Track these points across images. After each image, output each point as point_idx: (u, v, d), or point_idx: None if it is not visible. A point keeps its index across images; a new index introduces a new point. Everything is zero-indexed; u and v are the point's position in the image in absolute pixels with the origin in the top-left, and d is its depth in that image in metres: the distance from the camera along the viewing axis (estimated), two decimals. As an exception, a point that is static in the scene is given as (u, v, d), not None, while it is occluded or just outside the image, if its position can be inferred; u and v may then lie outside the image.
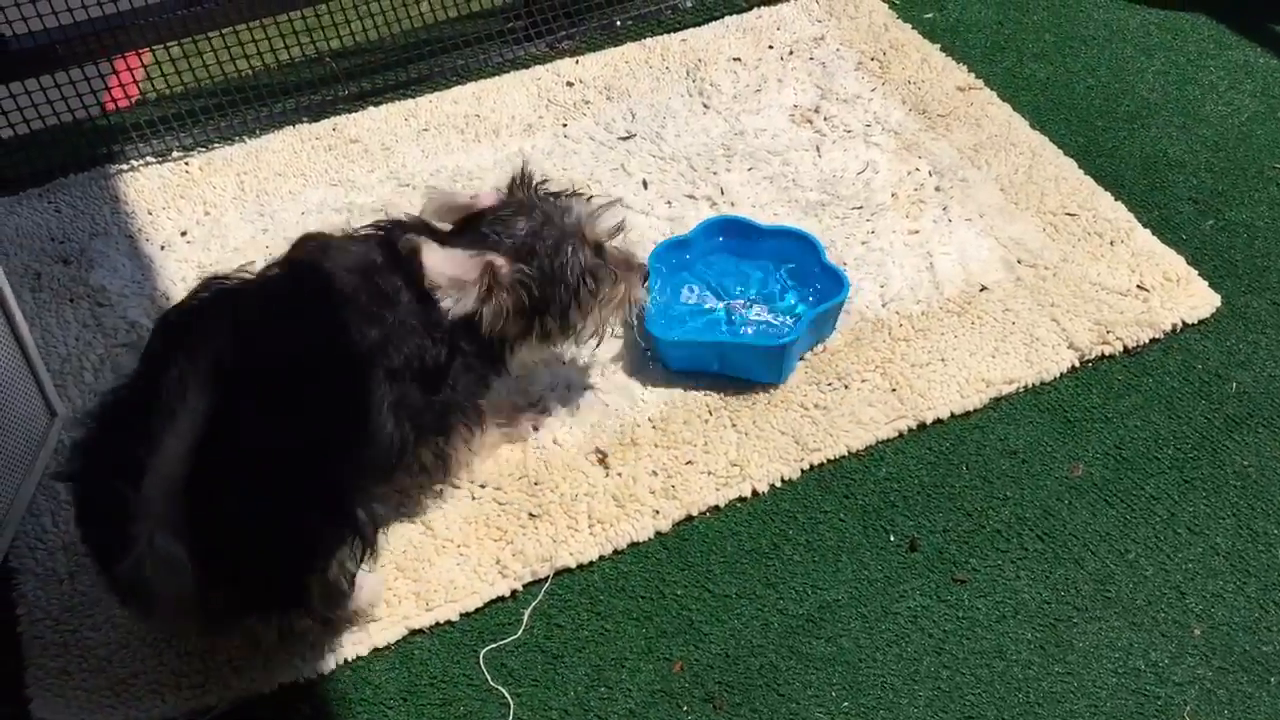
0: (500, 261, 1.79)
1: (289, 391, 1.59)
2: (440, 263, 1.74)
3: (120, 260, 2.43)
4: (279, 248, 2.43)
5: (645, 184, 2.59)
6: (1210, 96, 2.86)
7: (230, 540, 1.53)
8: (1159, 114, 2.81)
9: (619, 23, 3.09)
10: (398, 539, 1.95)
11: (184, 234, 2.48)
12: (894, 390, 2.17)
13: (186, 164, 2.65)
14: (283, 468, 1.56)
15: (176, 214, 2.53)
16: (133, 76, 2.87)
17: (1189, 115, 2.80)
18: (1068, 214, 2.51)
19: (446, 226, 1.89)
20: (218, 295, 1.69)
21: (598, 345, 2.06)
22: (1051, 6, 3.15)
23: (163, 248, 2.45)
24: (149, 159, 2.66)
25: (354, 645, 1.83)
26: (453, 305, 1.74)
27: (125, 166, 2.64)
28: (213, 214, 2.53)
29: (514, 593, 1.91)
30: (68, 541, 1.95)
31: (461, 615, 1.88)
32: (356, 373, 1.68)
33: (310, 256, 1.75)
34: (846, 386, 2.18)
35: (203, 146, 2.70)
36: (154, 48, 2.75)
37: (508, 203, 1.90)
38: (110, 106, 2.80)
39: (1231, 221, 2.53)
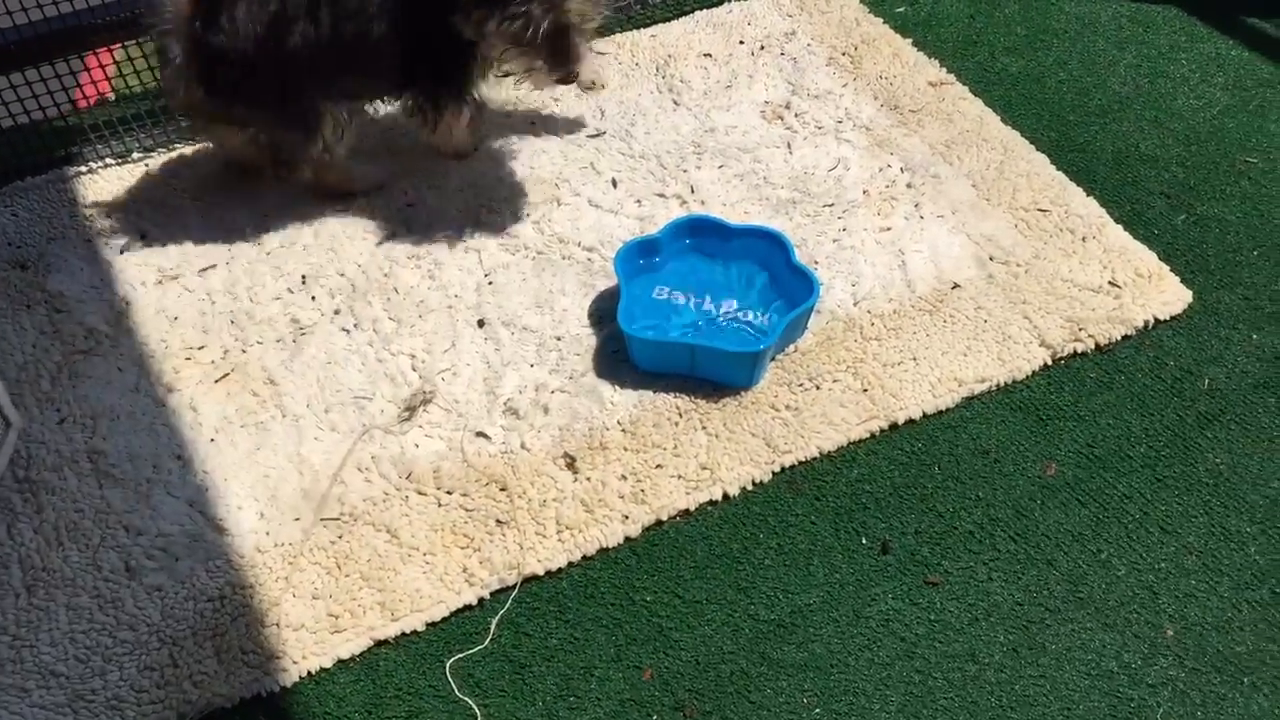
0: None
1: None
2: None
3: (78, 265, 2.38)
4: (241, 251, 2.41)
5: (614, 183, 2.56)
6: (1182, 90, 2.85)
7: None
8: (1131, 108, 2.79)
9: (588, 18, 3.04)
10: (362, 548, 1.92)
11: (143, 237, 2.43)
12: (865, 390, 2.15)
13: (147, 165, 2.60)
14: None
15: (136, 216, 2.48)
16: (91, 77, 2.81)
17: (1161, 109, 2.79)
18: (1039, 210, 2.49)
19: None
20: None
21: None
22: (1023, 0, 3.14)
23: (122, 251, 2.40)
24: (108, 161, 2.61)
25: (317, 657, 1.80)
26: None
27: (84, 169, 2.59)
28: (173, 216, 2.48)
29: (481, 601, 1.88)
30: (24, 555, 1.91)
31: (427, 625, 1.85)
32: None
33: None
34: (818, 387, 2.16)
35: (163, 147, 2.64)
36: (111, 48, 2.69)
37: None
38: (83, 104, 2.75)
39: (1203, 216, 2.52)
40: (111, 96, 2.80)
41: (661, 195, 2.53)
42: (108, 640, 1.81)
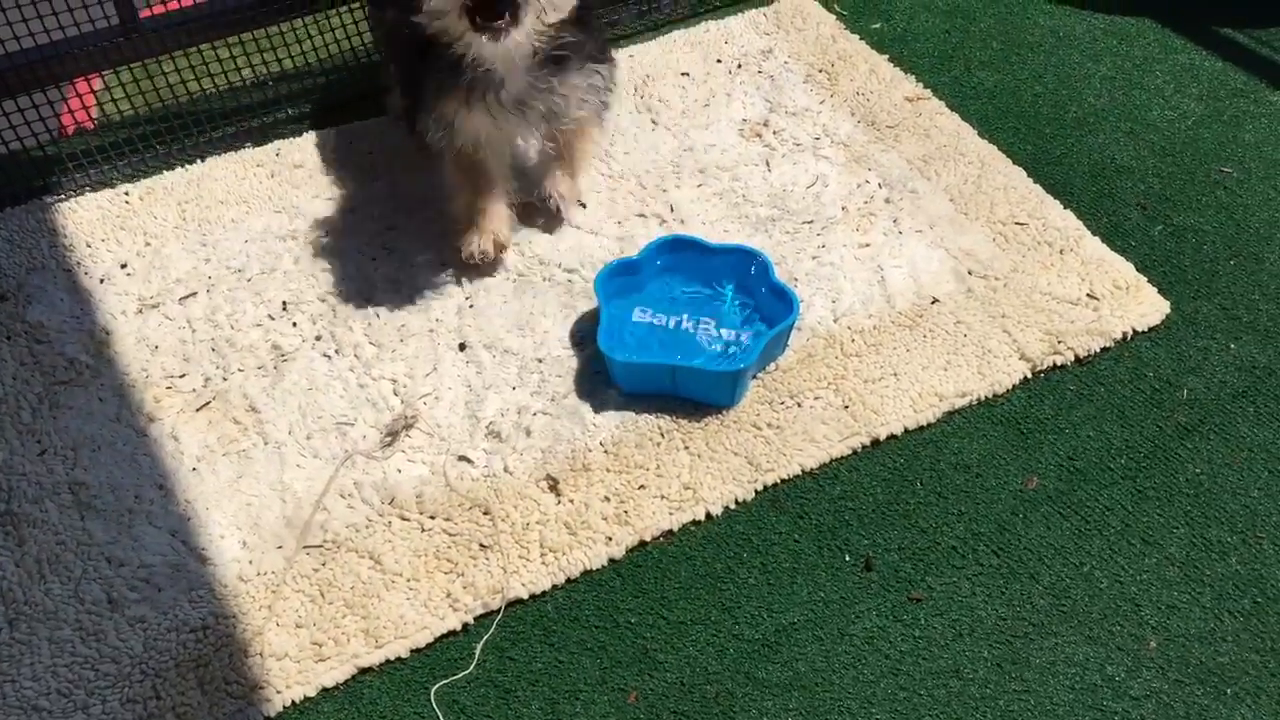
0: None
1: None
2: None
3: (59, 295, 2.37)
4: (222, 278, 2.40)
5: (583, 204, 2.56)
6: (1157, 101, 2.87)
7: None
8: (1106, 120, 2.81)
9: (566, 39, 3.05)
10: (345, 575, 1.92)
11: (124, 266, 2.43)
12: (847, 407, 2.16)
13: (126, 194, 2.60)
14: None
15: (116, 246, 2.48)
16: (69, 107, 2.81)
17: (1136, 120, 2.81)
18: (1017, 223, 2.51)
19: None
20: None
21: None
22: (998, 14, 3.16)
23: (102, 281, 2.40)
24: (88, 189, 2.61)
25: (301, 686, 1.79)
26: None
27: (63, 197, 2.59)
28: (153, 245, 2.48)
29: (465, 626, 1.88)
30: (5, 588, 1.90)
31: (411, 651, 1.85)
32: None
33: None
34: (799, 404, 2.17)
35: (143, 175, 2.65)
36: (88, 76, 2.69)
37: None
38: (62, 133, 2.75)
39: (1179, 226, 2.54)
40: (91, 125, 2.80)
41: (641, 215, 2.54)
42: (90, 673, 1.80)
